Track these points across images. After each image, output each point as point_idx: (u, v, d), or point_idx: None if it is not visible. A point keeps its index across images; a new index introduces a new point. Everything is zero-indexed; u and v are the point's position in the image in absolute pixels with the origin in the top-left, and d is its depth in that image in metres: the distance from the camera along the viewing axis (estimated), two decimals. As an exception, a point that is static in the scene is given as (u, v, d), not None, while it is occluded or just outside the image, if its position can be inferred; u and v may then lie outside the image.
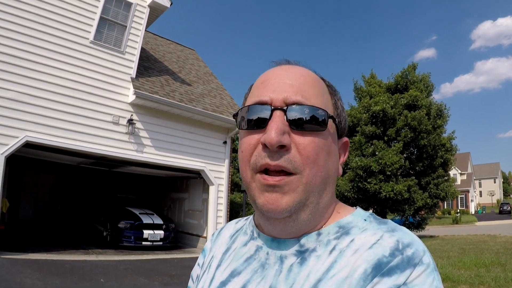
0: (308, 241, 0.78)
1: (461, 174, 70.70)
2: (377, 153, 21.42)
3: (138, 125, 11.45)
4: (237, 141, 18.85)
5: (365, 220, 0.80)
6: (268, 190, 0.73)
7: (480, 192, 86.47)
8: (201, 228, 14.26)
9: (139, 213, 13.22)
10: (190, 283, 1.05)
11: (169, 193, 16.85)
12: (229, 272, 0.85)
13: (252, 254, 0.85)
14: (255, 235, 0.88)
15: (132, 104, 11.36)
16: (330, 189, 0.81)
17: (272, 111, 0.74)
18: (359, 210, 0.85)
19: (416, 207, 21.77)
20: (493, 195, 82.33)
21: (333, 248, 0.75)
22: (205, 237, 13.66)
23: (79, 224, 16.59)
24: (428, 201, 21.89)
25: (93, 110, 10.57)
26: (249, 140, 0.76)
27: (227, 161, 14.06)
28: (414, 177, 22.14)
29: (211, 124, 13.45)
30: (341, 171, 0.87)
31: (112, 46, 11.21)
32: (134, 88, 11.04)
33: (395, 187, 20.28)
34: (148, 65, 13.32)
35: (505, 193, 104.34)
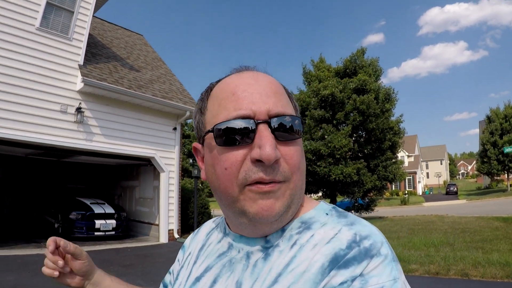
0: (273, 237, 0.80)
1: (408, 156, 72.84)
2: (326, 136, 21.77)
3: (87, 113, 11.23)
4: (186, 127, 18.68)
5: (327, 214, 0.81)
6: (262, 197, 0.73)
7: (427, 173, 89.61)
8: (153, 215, 14.20)
9: (90, 203, 13.02)
10: (166, 276, 1.12)
11: (119, 182, 16.63)
12: (204, 268, 0.89)
13: (225, 251, 0.88)
14: (227, 231, 0.90)
15: (80, 92, 11.10)
16: (304, 187, 0.82)
17: (257, 125, 0.72)
18: (322, 204, 0.86)
19: (365, 189, 22.36)
20: (440, 177, 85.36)
21: (294, 243, 0.77)
22: (157, 225, 13.59)
23: (30, 217, 16.14)
24: (377, 183, 22.51)
25: (40, 99, 10.26)
26: (234, 157, 0.73)
27: (177, 148, 14.02)
28: (363, 160, 22.67)
29: (161, 110, 13.37)
30: None
31: (59, 32, 10.87)
32: (82, 75, 10.80)
33: (344, 170, 20.69)
34: (95, 52, 13.04)
35: (452, 175, 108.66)
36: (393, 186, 62.49)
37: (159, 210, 13.56)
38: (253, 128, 0.72)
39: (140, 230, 14.67)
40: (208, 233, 1.01)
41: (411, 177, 69.14)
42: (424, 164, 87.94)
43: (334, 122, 22.61)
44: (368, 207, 24.29)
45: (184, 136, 16.33)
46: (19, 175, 17.84)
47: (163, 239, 13.11)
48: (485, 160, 47.30)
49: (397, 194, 59.57)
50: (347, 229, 0.74)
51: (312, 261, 0.71)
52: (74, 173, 17.80)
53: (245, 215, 0.76)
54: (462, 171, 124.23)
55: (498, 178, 52.81)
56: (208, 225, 1.06)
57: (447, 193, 58.16)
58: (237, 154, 0.73)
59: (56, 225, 13.00)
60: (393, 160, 24.43)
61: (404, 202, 43.45)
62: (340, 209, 0.83)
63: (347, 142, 20.98)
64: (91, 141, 11.31)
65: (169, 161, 13.72)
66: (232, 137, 0.73)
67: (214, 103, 0.81)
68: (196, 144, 0.88)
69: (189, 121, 18.66)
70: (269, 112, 0.74)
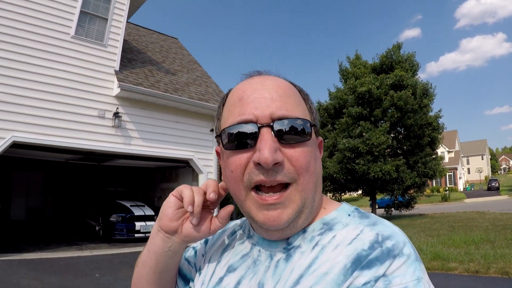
0: (294, 239, 0.81)
1: (448, 151, 71.17)
2: (364, 134, 21.49)
3: (124, 117, 11.41)
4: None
5: (349, 215, 0.82)
6: (268, 208, 0.75)
7: (468, 169, 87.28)
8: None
9: (130, 206, 13.26)
10: (190, 252, 1.08)
11: (159, 184, 16.89)
12: (227, 268, 0.89)
13: (248, 252, 0.89)
14: (251, 233, 0.91)
15: (117, 97, 11.31)
16: (319, 190, 0.83)
17: (259, 128, 0.74)
18: (344, 205, 0.87)
19: (404, 186, 22.00)
20: (481, 172, 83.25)
21: (316, 244, 0.78)
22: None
23: (71, 220, 16.60)
24: (416, 180, 22.10)
25: (79, 105, 10.51)
26: (239, 160, 0.76)
27: (214, 149, 14.03)
28: (402, 157, 22.33)
29: (197, 112, 13.43)
30: (322, 169, 0.89)
31: (94, 39, 11.11)
32: (118, 81, 10.99)
33: (383, 167, 20.41)
34: (131, 57, 13.25)
35: (493, 170, 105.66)
36: (434, 182, 61.24)
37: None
38: (255, 132, 0.74)
39: (179, 232, 14.71)
40: (232, 233, 1.01)
41: (452, 173, 67.54)
42: (465, 159, 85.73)
43: (372, 119, 22.29)
44: (408, 204, 23.90)
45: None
46: (60, 180, 18.41)
47: (203, 240, 13.11)
48: None
49: (438, 191, 58.31)
50: (369, 230, 0.74)
51: (334, 262, 0.71)
52: (114, 177, 18.20)
53: (253, 220, 0.79)
54: (504, 166, 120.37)
55: None
56: (233, 225, 1.05)
57: (489, 188, 57.16)
58: (242, 157, 0.76)
59: (97, 228, 13.32)
60: (433, 156, 23.97)
61: (445, 199, 42.61)
62: (362, 211, 0.84)
63: (385, 139, 20.66)
64: (129, 145, 11.48)
65: (207, 162, 13.78)
66: (236, 141, 0.76)
67: (226, 109, 0.84)
68: (217, 148, 0.91)
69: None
70: (272, 116, 0.75)
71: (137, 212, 12.99)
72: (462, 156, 79.78)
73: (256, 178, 0.74)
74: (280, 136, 0.74)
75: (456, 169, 68.23)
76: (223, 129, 0.79)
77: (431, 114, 23.62)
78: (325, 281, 0.69)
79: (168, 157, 12.81)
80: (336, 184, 23.86)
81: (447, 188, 56.97)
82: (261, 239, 0.86)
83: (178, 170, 15.46)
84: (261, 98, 0.77)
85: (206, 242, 1.06)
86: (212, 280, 0.90)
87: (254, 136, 0.74)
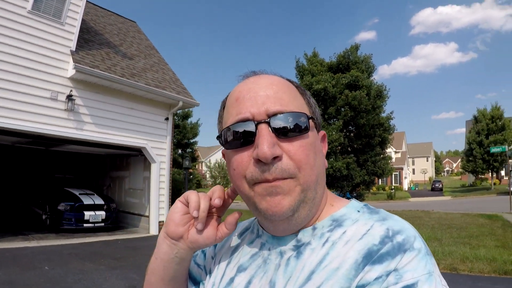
0: (304, 236, 0.81)
1: (395, 152, 73.51)
2: (318, 130, 21.72)
3: (78, 101, 10.91)
4: (175, 117, 18.58)
5: (359, 211, 0.83)
6: (270, 194, 0.75)
7: (413, 169, 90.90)
8: (143, 207, 13.97)
9: (79, 194, 12.77)
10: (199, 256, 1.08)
11: (109, 172, 16.36)
12: (237, 268, 0.90)
13: (257, 251, 0.90)
14: (260, 233, 0.92)
15: (71, 79, 10.77)
16: (322, 183, 0.83)
17: (256, 125, 0.75)
18: (353, 202, 0.88)
19: (354, 184, 22.59)
20: (426, 173, 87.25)
21: (326, 241, 0.78)
22: (148, 216, 13.39)
23: (16, 208, 15.79)
24: (365, 178, 22.79)
25: (30, 85, 9.90)
26: (240, 158, 0.77)
27: (169, 138, 13.82)
28: (352, 155, 22.90)
29: (153, 100, 13.13)
30: (326, 163, 0.88)
31: (51, 16, 10.46)
32: (74, 62, 10.46)
33: (334, 164, 20.84)
34: (88, 38, 12.69)
35: (437, 171, 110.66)
36: (380, 181, 63.15)
37: (149, 201, 13.34)
38: (253, 129, 0.75)
39: (130, 222, 14.45)
40: (241, 233, 1.01)
41: (398, 173, 70.09)
42: (410, 160, 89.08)
43: (326, 116, 22.67)
44: (356, 201, 24.43)
45: (176, 126, 16.25)
46: (5, 165, 17.43)
47: (154, 231, 12.90)
48: (470, 158, 48.47)
49: (383, 189, 60.29)
50: (379, 225, 0.75)
51: (345, 258, 0.72)
52: (62, 163, 17.44)
53: (259, 212, 0.79)
54: (447, 168, 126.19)
55: (483, 176, 54.33)
56: (242, 225, 1.05)
57: (433, 189, 59.50)
58: (243, 155, 0.77)
59: (44, 217, 12.75)
60: (382, 156, 24.65)
61: (390, 197, 44.19)
62: (371, 206, 0.85)
63: (337, 136, 21.07)
64: (81, 130, 11.00)
65: (160, 151, 13.50)
66: (236, 140, 0.78)
67: (225, 111, 0.85)
68: (223, 151, 0.90)
69: (179, 111, 18.43)
70: (267, 112, 0.76)
71: (87, 201, 12.49)
72: (408, 157, 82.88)
73: (260, 177, 0.74)
74: (277, 131, 0.75)
75: (402, 169, 70.78)
76: (223, 130, 0.81)
77: (383, 115, 24.27)
78: (336, 276, 0.70)
79: (121, 145, 12.39)
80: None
81: (392, 187, 58.87)
82: (270, 237, 0.87)
83: (130, 159, 15.04)
84: (256, 96, 0.78)
85: (215, 244, 1.03)
86: (222, 281, 0.91)
87: (252, 134, 0.75)
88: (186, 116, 33.37)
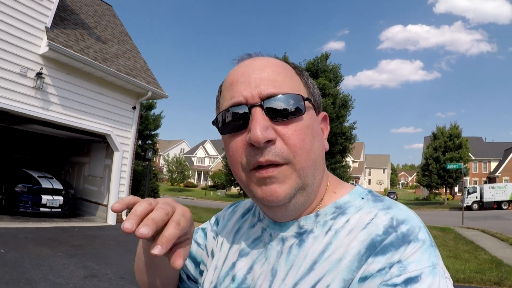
0: (306, 223, 0.80)
1: (353, 161, 74.95)
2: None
3: (47, 80, 10.49)
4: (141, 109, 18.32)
5: (363, 198, 0.81)
6: (265, 183, 0.73)
7: (369, 180, 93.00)
8: (101, 195, 13.65)
9: (38, 176, 12.28)
10: (199, 234, 1.07)
11: (69, 156, 15.87)
12: (239, 252, 0.89)
13: (259, 236, 0.88)
14: (261, 217, 0.91)
15: (43, 56, 10.35)
16: (321, 167, 0.80)
17: (250, 109, 0.73)
18: (357, 188, 0.86)
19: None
20: (381, 184, 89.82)
21: (329, 229, 0.76)
22: (106, 205, 13.11)
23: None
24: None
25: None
26: (236, 143, 0.76)
27: (134, 128, 13.58)
28: (314, 161, 23.10)
29: (123, 87, 12.89)
30: (327, 145, 0.86)
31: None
32: (48, 39, 10.04)
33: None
34: (64, 16, 12.23)
35: (392, 183, 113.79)
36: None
37: (109, 190, 13.02)
38: (246, 113, 0.74)
39: (87, 210, 14.06)
40: (243, 214, 1.00)
41: (354, 182, 70.91)
42: (367, 170, 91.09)
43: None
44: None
45: (141, 116, 16.02)
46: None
47: (111, 220, 12.59)
48: (426, 173, 50.25)
49: (339, 197, 61.12)
50: (383, 214, 0.73)
51: (348, 248, 0.70)
52: (22, 142, 16.73)
53: (256, 200, 0.78)
54: (403, 181, 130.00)
55: (437, 191, 56.07)
56: (244, 205, 1.05)
57: (387, 200, 60.57)
58: (238, 140, 0.76)
59: (-2, 197, 12.22)
60: (342, 164, 25.03)
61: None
62: (376, 193, 0.83)
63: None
64: (47, 110, 10.58)
65: (124, 140, 13.24)
66: (230, 125, 0.76)
67: (221, 96, 0.84)
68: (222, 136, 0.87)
69: (144, 101, 18.09)
70: (260, 95, 0.74)
71: (45, 184, 12.00)
72: (366, 167, 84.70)
73: (253, 160, 0.73)
74: (271, 114, 0.73)
75: (358, 178, 72.42)
76: (218, 115, 0.80)
77: (346, 124, 24.66)
78: (339, 268, 0.69)
79: (86, 129, 12.02)
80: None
81: (348, 196, 59.78)
82: (272, 222, 0.85)
83: (92, 145, 14.63)
84: (250, 79, 0.76)
85: (217, 223, 1.06)
86: (225, 265, 0.90)
87: (246, 117, 0.74)
88: (150, 107, 32.98)
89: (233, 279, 0.85)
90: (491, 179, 59.26)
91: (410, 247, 0.66)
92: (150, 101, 30.11)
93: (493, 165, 66.08)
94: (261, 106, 0.73)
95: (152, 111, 33.59)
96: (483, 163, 67.57)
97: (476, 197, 39.68)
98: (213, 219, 1.09)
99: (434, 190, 54.65)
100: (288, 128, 0.73)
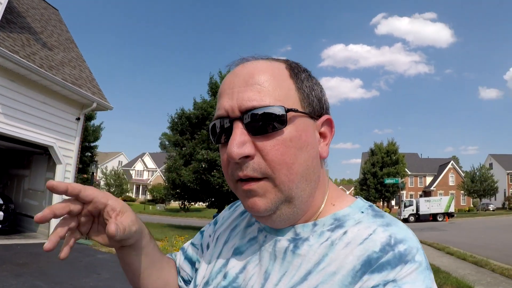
0: (303, 231, 0.79)
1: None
2: (224, 148, 22.15)
3: (-11, 86, 9.82)
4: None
5: (362, 212, 0.79)
6: (247, 195, 0.74)
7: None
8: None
9: (-26, 190, 11.51)
10: (196, 237, 1.10)
11: (7, 169, 15.01)
12: (233, 250, 0.89)
13: (255, 236, 0.88)
14: None
15: (-14, 61, 9.72)
16: (312, 178, 0.77)
17: (232, 122, 0.73)
18: (358, 201, 0.84)
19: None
20: None
21: (326, 240, 0.76)
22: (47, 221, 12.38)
23: None
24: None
25: None
26: (223, 155, 0.76)
27: (77, 140, 13.09)
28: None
29: (67, 97, 12.40)
30: (326, 152, 0.83)
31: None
32: (-7, 42, 9.45)
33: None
34: (11, 18, 11.59)
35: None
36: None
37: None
38: (227, 126, 0.74)
39: (27, 226, 13.27)
40: (242, 213, 1.00)
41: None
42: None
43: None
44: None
45: (85, 129, 15.46)
46: None
47: (54, 237, 11.89)
48: (364, 187, 52.41)
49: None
50: (382, 230, 0.72)
51: (343, 262, 0.70)
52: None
53: (245, 209, 0.79)
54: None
55: (374, 205, 58.16)
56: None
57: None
58: (225, 152, 0.75)
59: None
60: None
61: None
62: (377, 208, 0.82)
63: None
64: (-13, 118, 9.91)
65: (67, 152, 12.69)
66: (217, 136, 0.77)
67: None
68: None
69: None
70: (240, 108, 0.72)
71: (-18, 198, 11.21)
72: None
73: (235, 173, 0.73)
74: (250, 128, 0.72)
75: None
76: (209, 125, 0.79)
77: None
78: (332, 281, 0.69)
79: (28, 140, 11.34)
80: (188, 193, 24.11)
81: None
82: (268, 226, 0.84)
83: (32, 157, 13.92)
84: (234, 91, 0.74)
85: (215, 223, 1.06)
86: (218, 261, 0.90)
87: (229, 130, 0.73)
88: (90, 117, 31.96)
89: (224, 277, 0.85)
90: (426, 193, 62.43)
91: (406, 268, 0.65)
92: (90, 112, 29.24)
93: (429, 179, 69.55)
94: (241, 119, 0.72)
95: (92, 122, 32.56)
96: (419, 178, 70.99)
97: (413, 210, 41.91)
98: (212, 220, 1.09)
99: (372, 204, 57.54)
100: (267, 143, 0.71)
